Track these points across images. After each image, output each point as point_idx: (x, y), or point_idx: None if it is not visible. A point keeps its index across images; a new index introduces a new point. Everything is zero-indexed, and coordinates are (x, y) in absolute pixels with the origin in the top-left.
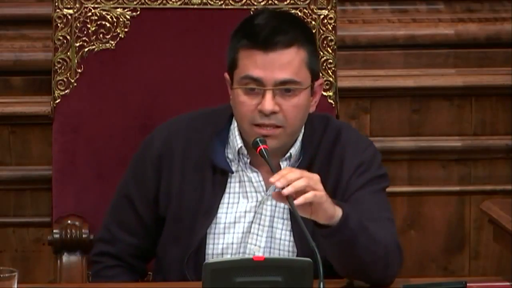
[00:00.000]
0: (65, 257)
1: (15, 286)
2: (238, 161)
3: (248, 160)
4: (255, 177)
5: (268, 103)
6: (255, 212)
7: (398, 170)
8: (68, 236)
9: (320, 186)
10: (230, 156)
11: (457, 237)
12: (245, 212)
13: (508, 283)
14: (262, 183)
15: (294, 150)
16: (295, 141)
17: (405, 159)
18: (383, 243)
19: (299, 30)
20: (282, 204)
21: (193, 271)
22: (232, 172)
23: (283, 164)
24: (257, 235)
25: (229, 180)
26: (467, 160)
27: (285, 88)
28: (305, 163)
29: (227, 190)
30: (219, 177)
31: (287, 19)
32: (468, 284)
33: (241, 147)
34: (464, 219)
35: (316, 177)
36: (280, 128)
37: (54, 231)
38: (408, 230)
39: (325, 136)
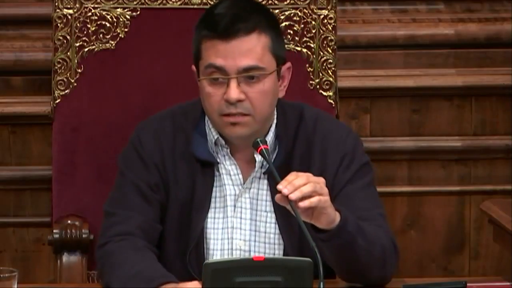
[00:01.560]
0: (65, 257)
1: (15, 286)
2: (217, 152)
3: (228, 150)
4: (233, 170)
5: (233, 92)
6: (234, 206)
7: (398, 170)
8: (68, 236)
9: (325, 191)
10: (210, 149)
11: (457, 237)
12: (226, 206)
13: (508, 283)
14: (240, 176)
15: (268, 141)
16: (268, 131)
17: (405, 159)
18: (380, 243)
19: (260, 16)
20: (263, 197)
21: (196, 265)
22: (218, 163)
23: (258, 156)
24: (240, 229)
25: (215, 173)
26: (467, 160)
27: (248, 75)
28: (282, 155)
29: (214, 183)
30: (207, 169)
31: (248, 6)
32: (468, 284)
33: (217, 138)
34: (464, 219)
35: (321, 180)
36: (248, 116)
37: (54, 231)
38: (408, 230)
39: (301, 127)
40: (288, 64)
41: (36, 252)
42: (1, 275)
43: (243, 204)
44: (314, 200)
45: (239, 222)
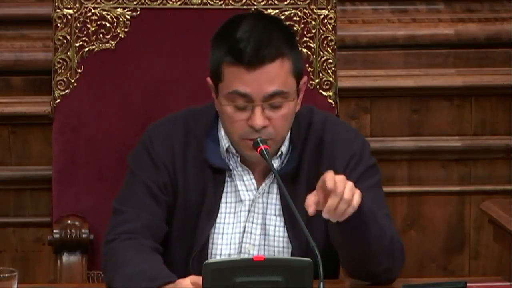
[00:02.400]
0: (65, 257)
1: (15, 286)
2: (229, 160)
3: (238, 158)
4: (246, 175)
5: (259, 119)
6: (248, 211)
7: (398, 170)
8: (68, 236)
9: (353, 195)
10: (222, 155)
11: (457, 237)
12: (240, 211)
13: (508, 283)
14: (253, 181)
15: (284, 148)
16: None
17: (405, 159)
18: (389, 233)
19: (281, 37)
20: (273, 201)
21: (198, 271)
22: (230, 170)
23: (274, 163)
24: (251, 233)
25: (226, 179)
26: (467, 160)
27: (273, 102)
28: (295, 160)
29: (225, 189)
30: (218, 176)
31: (269, 26)
32: (468, 284)
33: (228, 146)
34: (464, 219)
35: (351, 185)
36: (270, 140)
37: (54, 231)
38: (408, 230)
39: (311, 130)
40: (305, 79)
41: (36, 252)
42: (1, 275)
43: (256, 209)
44: (347, 214)
45: (250, 227)
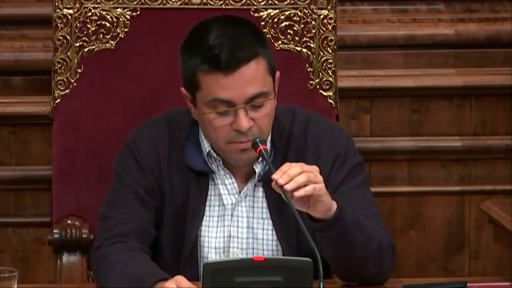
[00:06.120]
0: (65, 257)
1: (15, 286)
2: (211, 163)
3: (221, 162)
4: (228, 179)
5: (244, 121)
6: (231, 215)
7: (398, 170)
8: (68, 236)
9: (319, 178)
10: (205, 158)
11: (457, 237)
12: (224, 215)
13: (508, 283)
14: (235, 185)
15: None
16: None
17: (405, 159)
18: (377, 238)
19: (252, 37)
20: (259, 204)
21: (190, 273)
22: (213, 172)
23: (257, 167)
24: (237, 237)
25: (210, 182)
26: (467, 160)
27: (255, 103)
28: (278, 163)
29: (209, 192)
30: (201, 179)
31: (238, 29)
32: (468, 284)
33: (209, 151)
34: (464, 219)
35: (315, 169)
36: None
37: (54, 231)
38: (408, 230)
39: (294, 130)
40: (278, 74)
41: (36, 252)
42: (1, 275)
43: (239, 212)
44: (308, 188)
45: (235, 231)
